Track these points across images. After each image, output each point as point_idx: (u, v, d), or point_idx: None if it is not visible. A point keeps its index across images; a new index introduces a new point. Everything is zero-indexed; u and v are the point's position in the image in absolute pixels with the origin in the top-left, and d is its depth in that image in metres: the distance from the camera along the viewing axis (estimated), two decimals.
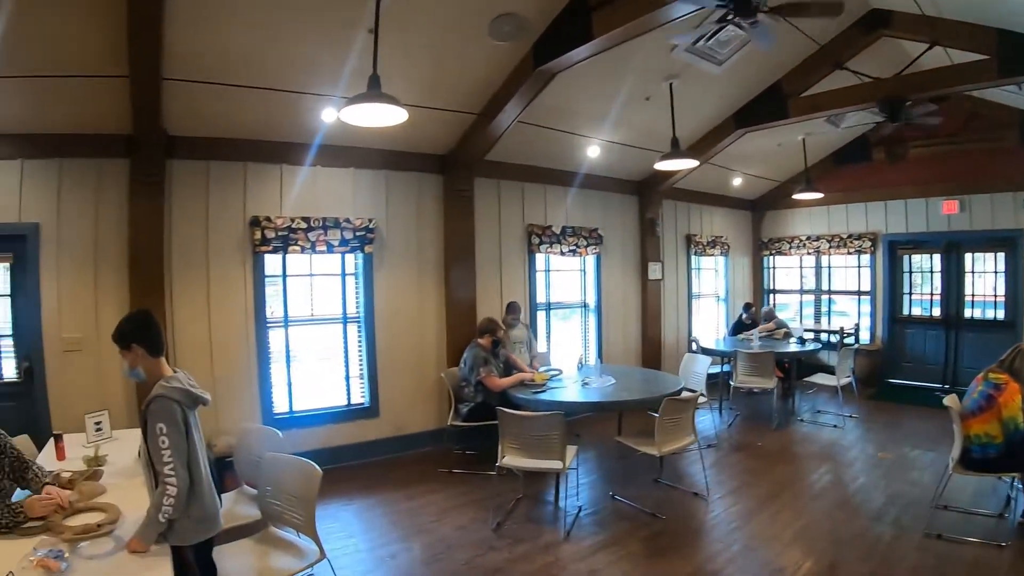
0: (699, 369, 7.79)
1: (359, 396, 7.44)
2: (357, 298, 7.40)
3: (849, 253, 11.18)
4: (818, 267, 11.91)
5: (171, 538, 3.09)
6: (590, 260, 9.30)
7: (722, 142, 8.42)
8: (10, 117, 5.61)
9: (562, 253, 8.71)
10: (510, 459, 5.46)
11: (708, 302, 11.56)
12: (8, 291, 6.13)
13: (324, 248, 7.00)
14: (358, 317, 7.41)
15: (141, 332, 3.24)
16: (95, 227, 6.06)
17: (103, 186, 6.06)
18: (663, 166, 6.99)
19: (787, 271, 12.50)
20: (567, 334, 9.35)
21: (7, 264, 6.05)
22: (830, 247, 11.38)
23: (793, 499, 6.03)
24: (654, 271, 9.83)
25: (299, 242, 6.87)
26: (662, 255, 10.07)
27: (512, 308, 7.74)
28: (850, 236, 11.10)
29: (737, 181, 10.82)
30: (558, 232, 8.63)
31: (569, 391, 6.49)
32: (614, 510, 5.89)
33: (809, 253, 11.80)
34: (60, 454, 4.51)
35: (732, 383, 8.68)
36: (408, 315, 7.61)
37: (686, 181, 9.87)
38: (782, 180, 11.51)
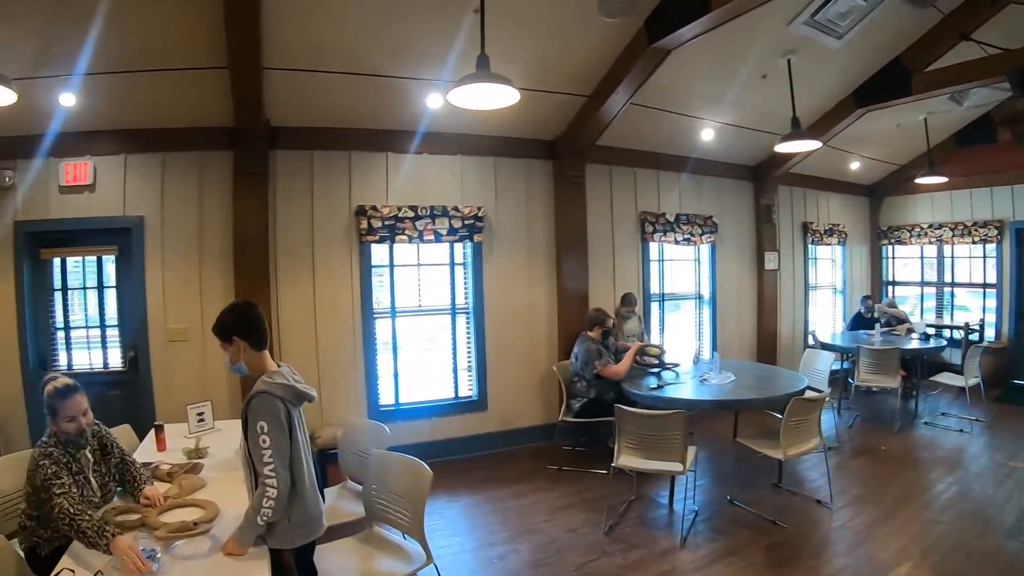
0: (822, 366, 7.09)
1: (467, 389, 7.07)
2: (466, 288, 7.03)
3: (974, 242, 10.02)
4: (940, 257, 10.74)
5: (270, 541, 2.88)
6: (704, 249, 8.65)
7: (841, 123, 7.63)
8: (114, 113, 5.56)
9: (676, 242, 8.09)
10: (627, 459, 5.00)
11: (824, 294, 10.66)
12: (114, 282, 6.15)
13: (432, 237, 6.66)
14: (467, 308, 7.03)
15: (243, 325, 2.98)
16: (199, 219, 5.99)
17: (207, 179, 5.98)
18: (784, 148, 6.29)
19: (907, 262, 11.40)
20: (680, 326, 8.68)
21: (113, 256, 6.09)
22: (953, 236, 10.23)
23: (920, 510, 5.37)
24: (770, 261, 9.04)
25: (406, 231, 6.55)
26: (778, 244, 9.29)
27: (627, 299, 7.24)
28: (974, 224, 9.94)
29: (855, 165, 9.90)
30: (672, 220, 8.02)
31: (687, 388, 5.97)
32: (732, 516, 5.36)
33: (931, 242, 10.65)
34: (161, 445, 4.37)
35: (852, 381, 7.87)
36: (518, 306, 7.19)
37: (801, 165, 9.09)
38: (901, 163, 10.42)
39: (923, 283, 11.04)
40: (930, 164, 8.24)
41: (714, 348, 8.57)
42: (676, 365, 6.54)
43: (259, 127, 5.79)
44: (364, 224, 6.39)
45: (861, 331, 9.23)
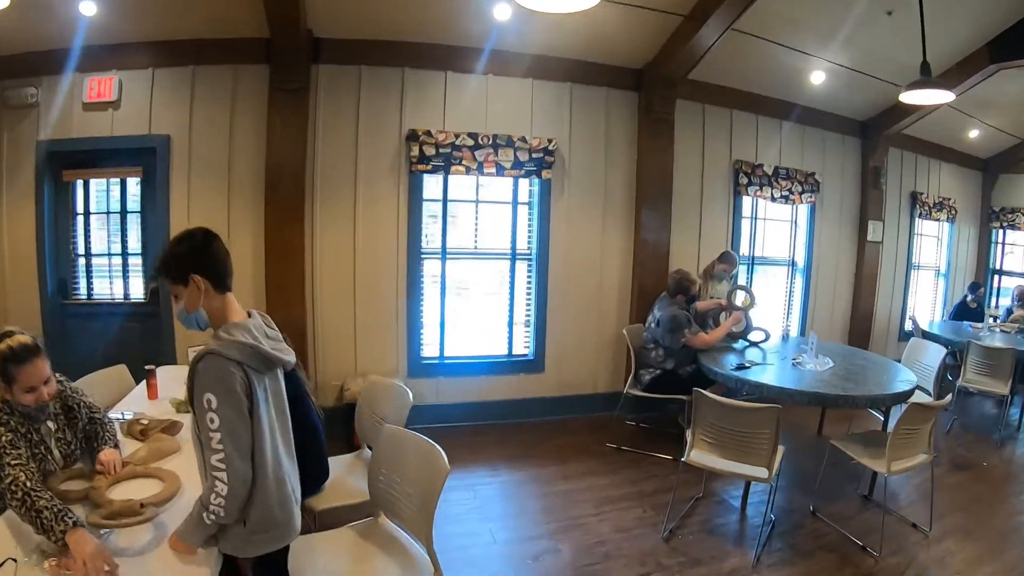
0: (930, 361, 5.62)
1: (522, 346, 5.96)
2: (530, 231, 5.87)
3: None
4: None
5: (221, 544, 2.09)
6: (803, 210, 7.23)
7: (971, 78, 6.10)
8: (140, 24, 4.79)
9: (772, 198, 6.69)
10: (701, 456, 3.89)
11: (926, 276, 9.06)
12: (138, 207, 5.36)
13: (493, 170, 5.51)
14: (529, 254, 5.88)
15: (202, 257, 2.08)
16: (229, 140, 5.07)
17: (240, 95, 5.04)
18: (910, 98, 4.78)
19: (1019, 250, 9.66)
20: (769, 296, 7.22)
21: (137, 179, 5.31)
22: None
23: None
24: (874, 231, 7.55)
25: (463, 161, 5.43)
26: (884, 213, 7.76)
27: (728, 258, 5.96)
28: None
29: (974, 133, 8.27)
30: (770, 173, 6.65)
31: (777, 371, 4.75)
32: (814, 532, 4.20)
33: None
34: (152, 392, 3.59)
35: (953, 379, 6.44)
36: (588, 256, 5.98)
37: (915, 128, 7.56)
38: None
39: None
40: None
41: (804, 324, 7.06)
42: (765, 335, 5.42)
43: (299, 38, 4.80)
44: (416, 151, 5.30)
45: (965, 322, 7.75)
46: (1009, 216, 9.30)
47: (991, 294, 9.61)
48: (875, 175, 7.48)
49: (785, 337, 5.79)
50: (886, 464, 3.82)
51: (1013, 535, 4.30)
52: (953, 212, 8.84)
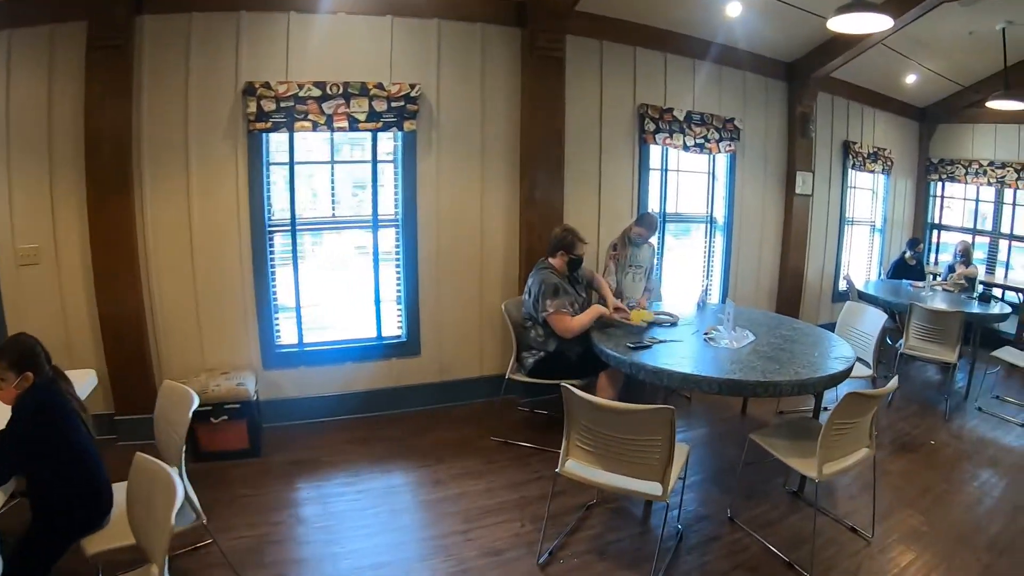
0: (868, 328, 4.61)
1: (394, 327, 4.86)
2: (396, 194, 4.67)
3: None
4: (999, 203, 7.95)
5: None
6: (721, 160, 6.11)
7: (911, 11, 4.80)
8: None
9: (685, 147, 5.56)
10: (578, 467, 2.93)
11: (861, 232, 8.03)
12: None
13: (344, 123, 4.36)
14: (395, 220, 4.73)
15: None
16: (47, 110, 3.90)
17: (58, 59, 3.92)
18: (840, 24, 3.79)
19: (957, 203, 8.60)
20: (685, 257, 6.01)
21: None
22: (1018, 179, 7.45)
23: (999, 550, 3.24)
24: (803, 183, 6.48)
25: (310, 116, 4.27)
26: (814, 164, 6.67)
27: (647, 221, 4.78)
28: None
29: (911, 78, 7.16)
30: (681, 118, 5.49)
31: (686, 350, 3.68)
32: (732, 545, 3.26)
33: (990, 183, 7.84)
34: None
35: (900, 348, 5.40)
36: (465, 220, 4.86)
37: (847, 71, 6.48)
38: (964, 84, 7.52)
39: (974, 231, 8.28)
40: (1007, 86, 5.57)
41: (725, 289, 5.90)
42: (672, 320, 4.28)
43: None
44: (253, 107, 4.14)
45: (904, 281, 6.75)
46: (948, 168, 8.26)
47: (930, 250, 8.64)
48: (803, 122, 6.37)
49: (701, 305, 4.68)
50: (816, 466, 2.88)
51: (970, 536, 3.36)
52: (889, 163, 7.80)
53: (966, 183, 8.12)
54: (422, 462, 4.06)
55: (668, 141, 5.42)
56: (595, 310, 3.95)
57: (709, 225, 6.16)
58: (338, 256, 4.74)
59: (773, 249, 6.58)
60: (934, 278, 6.73)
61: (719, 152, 5.78)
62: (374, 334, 4.72)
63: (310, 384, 4.54)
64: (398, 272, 4.69)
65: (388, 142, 4.58)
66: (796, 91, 6.34)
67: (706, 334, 3.83)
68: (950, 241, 8.39)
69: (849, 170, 7.23)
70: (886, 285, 6.54)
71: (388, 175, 4.62)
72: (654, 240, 4.91)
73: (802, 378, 3.17)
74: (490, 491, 3.70)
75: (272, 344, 4.47)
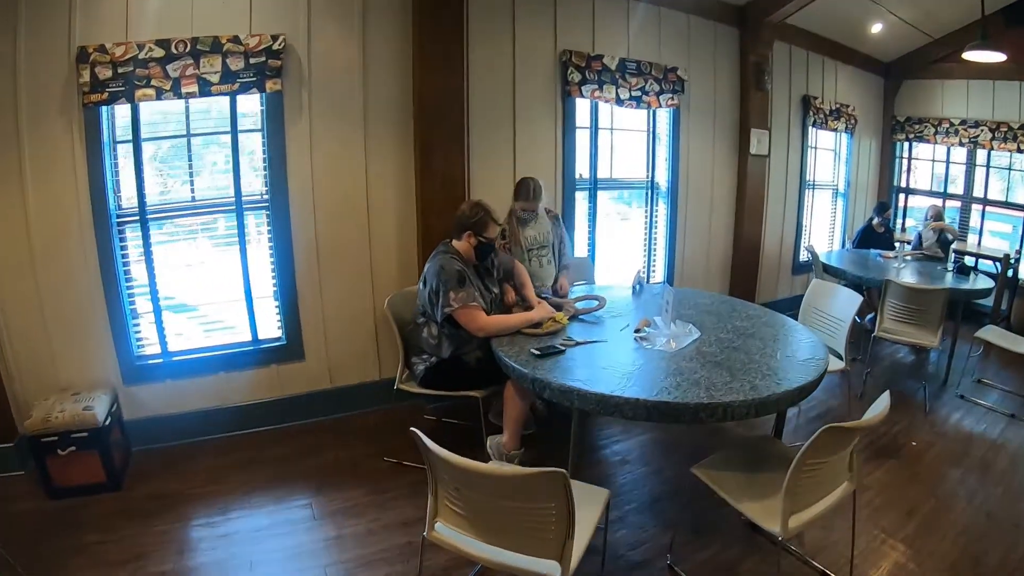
0: (840, 312, 3.59)
1: (272, 328, 3.77)
2: (265, 169, 3.59)
3: (1020, 150, 6.28)
4: (971, 164, 6.97)
5: None
6: (663, 116, 5.06)
7: None
8: None
9: (619, 100, 4.52)
10: (451, 533, 1.96)
11: (823, 197, 7.01)
12: None
13: (194, 87, 3.29)
14: (263, 201, 3.59)
15: None
16: None
17: None
18: None
19: (926, 165, 7.58)
20: (622, 231, 5.01)
21: None
22: (993, 139, 6.45)
23: None
24: (759, 142, 5.47)
25: (152, 81, 3.21)
26: (770, 121, 5.60)
27: (525, 191, 3.57)
28: (1022, 127, 6.17)
29: (877, 27, 6.14)
30: (613, 67, 4.45)
31: (610, 356, 2.72)
32: None
33: (962, 143, 6.85)
34: None
35: (868, 326, 4.54)
36: (347, 196, 3.79)
37: (807, 18, 5.51)
38: (935, 35, 6.52)
39: (944, 195, 7.29)
40: (983, 36, 4.54)
41: (671, 265, 4.89)
42: (598, 303, 3.33)
43: None
44: (86, 76, 3.07)
45: (872, 250, 5.78)
46: (916, 127, 7.26)
47: (897, 216, 7.66)
48: (757, 73, 5.34)
49: (638, 289, 3.67)
50: (781, 518, 1.99)
51: (966, 571, 2.51)
52: (852, 121, 6.80)
53: (935, 143, 7.12)
54: (300, 492, 3.10)
55: (597, 94, 4.36)
56: (519, 318, 2.96)
57: (650, 192, 5.12)
58: (202, 248, 3.67)
59: (725, 218, 5.58)
60: (904, 247, 5.76)
61: (660, 107, 4.73)
62: (249, 337, 3.69)
63: (181, 399, 3.53)
64: (272, 263, 3.64)
65: (252, 106, 3.50)
66: (749, 38, 5.28)
67: (637, 331, 2.83)
68: (918, 206, 7.45)
69: (809, 128, 6.21)
70: (852, 256, 5.57)
71: (254, 147, 3.54)
72: (546, 207, 3.69)
73: (761, 395, 2.23)
74: (371, 534, 2.76)
75: (131, 355, 3.43)
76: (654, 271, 5.17)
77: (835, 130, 6.55)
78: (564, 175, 4.40)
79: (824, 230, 6.94)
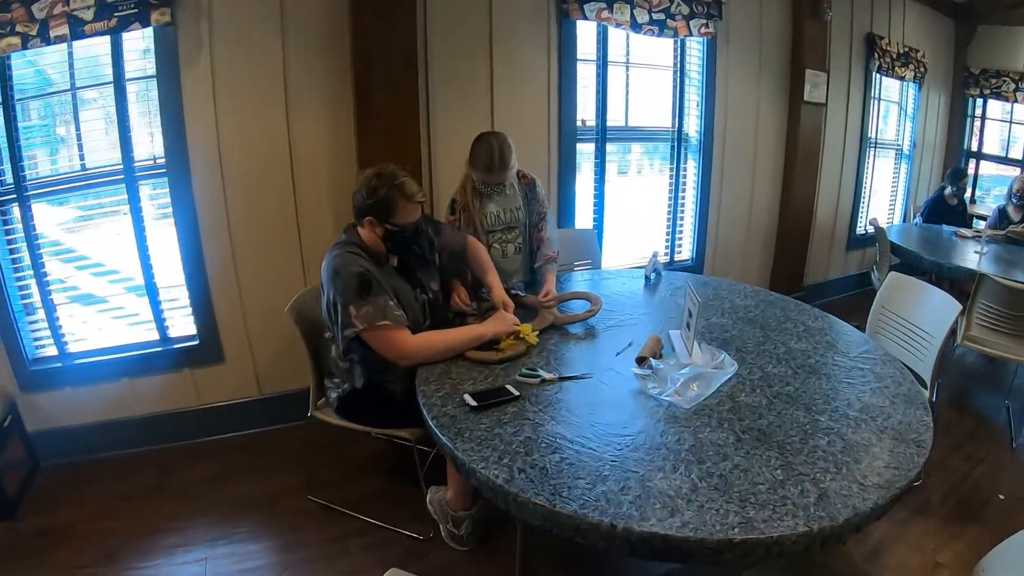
0: (931, 325, 2.12)
1: (183, 325, 2.66)
2: (159, 129, 2.42)
3: None
4: None
5: None
6: (694, 49, 3.69)
7: None
8: None
9: (635, 25, 3.20)
10: None
11: (883, 159, 5.40)
12: None
13: (64, 29, 2.19)
14: (159, 167, 2.43)
15: None
16: None
17: None
18: None
19: (1000, 127, 5.89)
20: (638, 195, 3.64)
21: None
22: None
23: None
24: (815, 87, 4.07)
25: (17, 27, 2.15)
26: (828, 62, 4.13)
27: (485, 157, 2.19)
28: None
29: None
30: None
31: (585, 416, 1.47)
32: None
33: None
34: None
35: (955, 340, 3.00)
36: (267, 160, 2.60)
37: None
38: None
39: None
40: None
41: (699, 243, 3.61)
42: (589, 315, 2.06)
43: None
44: None
45: (945, 227, 4.28)
46: (992, 82, 5.59)
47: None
48: (813, 2, 3.81)
49: (653, 279, 2.45)
50: None
51: None
52: (922, 70, 5.20)
53: (1014, 102, 5.47)
54: (199, 540, 2.14)
55: (606, 15, 3.02)
56: (484, 328, 1.82)
57: (677, 146, 3.76)
58: (98, 229, 2.60)
59: (770, 180, 4.20)
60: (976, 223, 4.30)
61: (690, 35, 3.35)
62: (157, 336, 2.65)
63: (87, 408, 2.56)
64: (178, 245, 2.55)
65: (139, 47, 2.37)
66: None
67: (641, 361, 1.64)
68: (989, 174, 5.81)
69: (873, 74, 4.68)
70: (922, 234, 4.12)
71: (146, 99, 2.43)
72: (519, 171, 2.33)
73: (833, 520, 1.09)
74: None
75: (25, 359, 2.47)
76: (679, 247, 3.89)
77: (902, 78, 5.00)
78: (560, 122, 3.13)
79: (883, 199, 5.40)
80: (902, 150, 5.44)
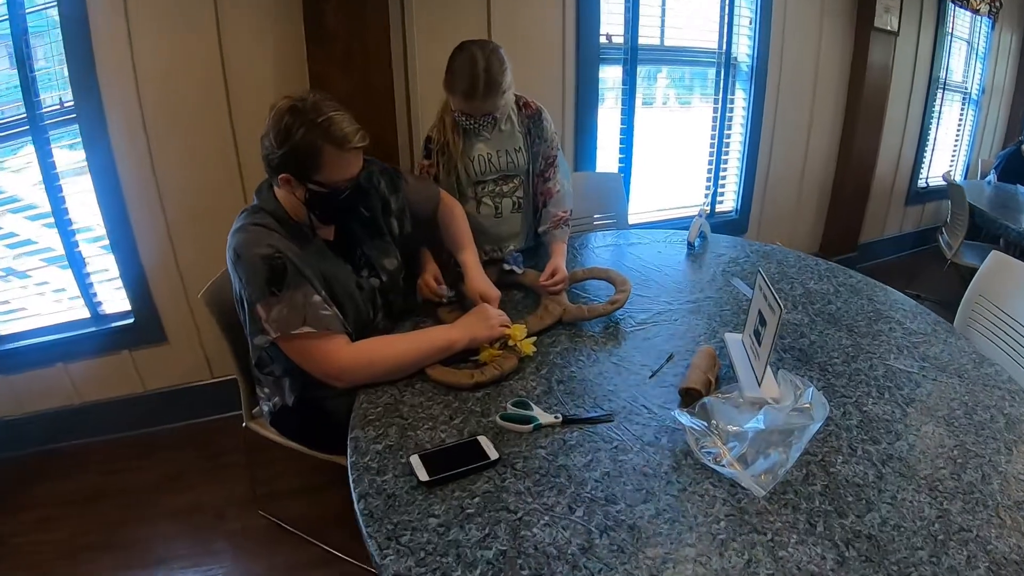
0: None
1: (115, 300, 2.12)
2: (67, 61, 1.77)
3: None
4: None
5: None
6: None
7: None
8: None
9: None
10: None
11: (949, 103, 4.41)
12: None
13: None
14: (69, 113, 1.85)
15: None
16: None
17: None
18: None
19: None
20: (673, 134, 2.95)
21: None
22: None
23: None
24: (887, 12, 3.26)
25: None
26: None
27: (465, 77, 1.43)
28: None
29: None
30: None
31: (599, 503, 0.95)
32: None
33: None
34: None
35: None
36: (199, 95, 1.89)
37: None
38: None
39: None
40: None
41: (746, 192, 2.89)
42: (612, 307, 1.37)
43: None
44: None
45: (1021, 187, 3.36)
46: None
47: None
48: None
49: (697, 244, 1.87)
50: None
51: None
52: (998, 3, 4.19)
53: None
54: (128, 572, 1.68)
55: None
56: (453, 332, 1.21)
57: (724, 72, 2.95)
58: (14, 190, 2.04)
59: (831, 119, 3.39)
60: None
61: None
62: (88, 314, 2.11)
63: (23, 398, 2.08)
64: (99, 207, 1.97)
65: None
66: None
67: (685, 396, 1.05)
68: None
69: (949, 4, 3.73)
70: (995, 194, 3.28)
71: (47, 31, 1.79)
72: (519, 97, 1.63)
73: None
74: None
75: None
76: (721, 196, 3.18)
77: (976, 11, 4.04)
78: (579, 38, 2.38)
79: (945, 151, 4.49)
80: (969, 95, 4.49)
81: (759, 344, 1.08)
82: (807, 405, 1.00)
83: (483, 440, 0.96)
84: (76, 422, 2.16)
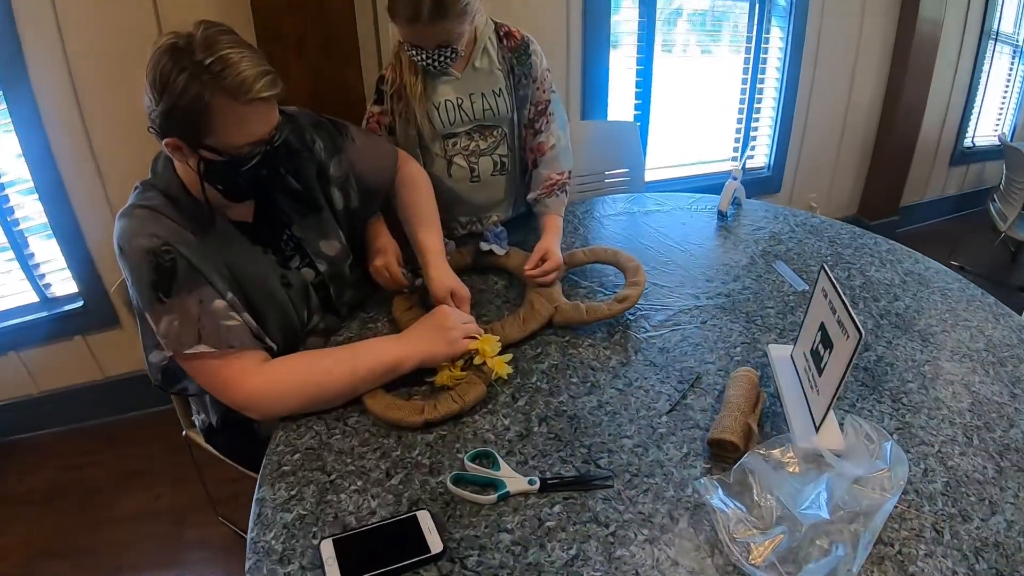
0: None
1: (64, 284, 1.79)
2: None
3: None
4: None
5: None
6: None
7: None
8: None
9: None
10: None
11: (999, 55, 3.71)
12: None
13: None
14: None
15: None
16: None
17: None
18: None
19: None
20: (698, 79, 2.52)
21: None
22: None
23: None
24: None
25: None
26: None
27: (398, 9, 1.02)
28: None
29: None
30: None
31: None
32: None
33: None
34: None
35: None
36: (131, 43, 1.48)
37: None
38: None
39: None
40: None
41: (781, 147, 2.47)
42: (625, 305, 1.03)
43: None
44: None
45: None
46: None
47: None
48: None
49: (730, 214, 1.53)
50: None
51: None
52: None
53: None
54: None
55: None
56: (403, 345, 0.89)
57: (758, 7, 2.47)
58: None
59: (876, 69, 2.89)
60: None
61: None
62: (37, 298, 1.84)
63: None
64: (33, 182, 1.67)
65: None
66: None
67: (715, 448, 0.74)
68: None
69: None
70: None
71: None
72: (498, 25, 1.22)
73: None
74: None
75: None
76: (752, 151, 2.74)
77: None
78: None
79: (992, 108, 3.86)
80: (1021, 49, 3.86)
81: (819, 372, 0.76)
82: (883, 470, 0.68)
83: (424, 518, 0.66)
84: (34, 413, 1.94)
